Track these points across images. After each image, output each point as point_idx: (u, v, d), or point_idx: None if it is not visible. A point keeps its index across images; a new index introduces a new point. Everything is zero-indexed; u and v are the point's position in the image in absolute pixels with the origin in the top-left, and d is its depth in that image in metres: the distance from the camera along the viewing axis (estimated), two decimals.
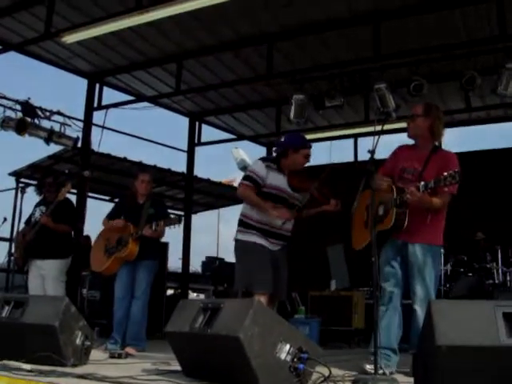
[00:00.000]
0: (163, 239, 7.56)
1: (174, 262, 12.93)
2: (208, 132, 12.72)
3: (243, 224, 5.30)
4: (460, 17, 7.91)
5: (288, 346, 3.60)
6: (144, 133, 12.59)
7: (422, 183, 4.35)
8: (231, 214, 16.73)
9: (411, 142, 5.00)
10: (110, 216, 6.93)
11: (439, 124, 4.82)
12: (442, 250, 9.34)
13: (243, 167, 13.12)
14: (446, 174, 4.13)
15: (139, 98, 10.95)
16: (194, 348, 4.01)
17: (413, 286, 4.65)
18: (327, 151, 12.28)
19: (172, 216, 6.60)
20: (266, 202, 5.18)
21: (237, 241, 5.33)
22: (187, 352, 4.18)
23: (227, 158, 13.71)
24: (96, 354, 5.38)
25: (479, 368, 3.12)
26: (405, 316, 4.80)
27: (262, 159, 5.39)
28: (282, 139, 5.51)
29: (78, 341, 4.65)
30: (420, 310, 4.47)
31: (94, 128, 10.36)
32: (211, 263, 13.32)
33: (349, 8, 7.93)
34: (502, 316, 3.17)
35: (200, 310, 3.95)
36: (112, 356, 5.67)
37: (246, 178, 5.26)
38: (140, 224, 6.50)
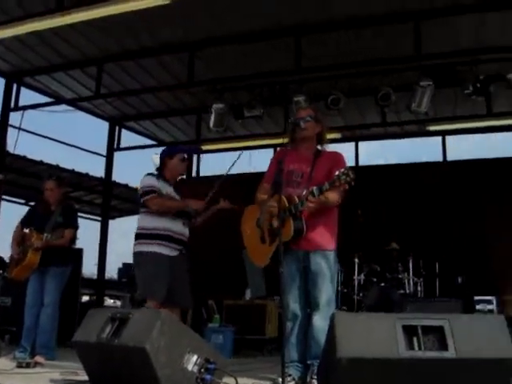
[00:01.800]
0: (78, 245, 7.46)
1: (90, 268, 12.72)
2: (129, 137, 12.62)
3: (142, 236, 5.46)
4: (378, 35, 8.15)
5: (195, 357, 3.62)
6: (63, 136, 12.32)
7: (315, 187, 4.35)
8: None
9: None
10: (23, 221, 6.80)
11: (326, 132, 4.96)
12: (357, 260, 9.67)
13: None
14: (338, 173, 4.17)
15: (58, 100, 10.74)
16: (102, 358, 3.97)
17: (315, 295, 4.62)
18: (247, 161, 12.36)
19: (61, 230, 6.48)
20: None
21: (136, 253, 5.46)
22: (95, 362, 4.13)
23: (148, 164, 13.58)
24: (3, 363, 5.27)
25: (379, 380, 3.20)
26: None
27: (149, 174, 5.65)
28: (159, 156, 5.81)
29: None
30: (320, 320, 4.50)
31: (9, 129, 10.08)
32: (128, 270, 13.13)
33: (271, 20, 8.04)
34: (401, 329, 3.26)
35: (108, 319, 3.91)
36: (20, 365, 5.55)
37: (148, 192, 5.46)
38: (45, 233, 6.40)
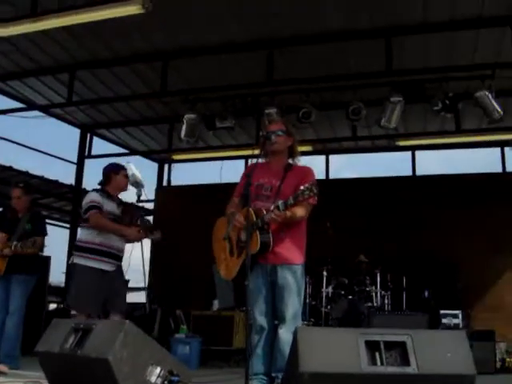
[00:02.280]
0: (46, 252, 7.44)
1: (59, 276, 12.60)
2: (100, 145, 12.55)
3: (82, 249, 5.83)
4: (350, 50, 8.25)
5: (158, 369, 3.61)
6: (34, 142, 12.19)
7: (281, 202, 4.37)
8: None
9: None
10: None
11: (297, 145, 4.98)
12: (325, 273, 9.72)
13: (134, 182, 12.96)
14: (302, 188, 4.23)
15: (30, 106, 10.65)
16: (65, 369, 3.94)
17: (282, 308, 4.61)
18: (218, 170, 12.41)
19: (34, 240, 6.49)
20: None
21: (74, 264, 5.85)
22: (57, 372, 4.10)
23: None
24: None
25: None
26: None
27: (95, 190, 6.04)
28: (103, 171, 6.16)
29: None
30: (286, 333, 4.48)
31: None
32: None
33: (245, 32, 8.09)
34: (364, 344, 3.28)
35: (72, 330, 3.89)
36: None
37: (91, 207, 5.82)
38: (11, 240, 6.38)
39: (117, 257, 5.96)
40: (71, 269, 6.04)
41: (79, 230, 6.08)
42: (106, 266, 5.81)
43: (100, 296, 5.68)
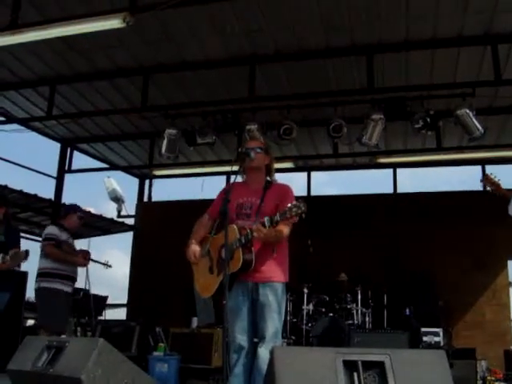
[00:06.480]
0: (23, 268, 7.41)
1: None
2: (81, 159, 12.45)
3: (46, 275, 6.79)
4: (331, 67, 8.28)
5: None
6: (13, 155, 12.00)
7: (267, 218, 4.30)
8: (101, 244, 16.33)
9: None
10: None
11: (274, 163, 4.95)
12: (306, 290, 9.66)
13: (114, 197, 12.90)
14: (290, 205, 4.18)
15: (9, 119, 10.54)
16: None
17: (262, 326, 4.54)
18: (199, 186, 12.33)
19: (19, 250, 6.64)
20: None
21: (43, 288, 6.76)
22: None
23: (99, 187, 13.41)
24: None
25: None
26: None
27: (53, 224, 7.50)
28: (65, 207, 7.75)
29: None
30: (265, 351, 4.40)
31: None
32: (74, 294, 12.85)
33: (226, 49, 8.08)
34: (341, 364, 3.21)
35: (44, 347, 3.80)
36: None
37: (48, 239, 6.88)
38: None
39: (73, 279, 7.01)
40: (38, 293, 6.80)
41: (40, 258, 6.88)
42: (66, 288, 6.86)
43: (65, 315, 6.67)
